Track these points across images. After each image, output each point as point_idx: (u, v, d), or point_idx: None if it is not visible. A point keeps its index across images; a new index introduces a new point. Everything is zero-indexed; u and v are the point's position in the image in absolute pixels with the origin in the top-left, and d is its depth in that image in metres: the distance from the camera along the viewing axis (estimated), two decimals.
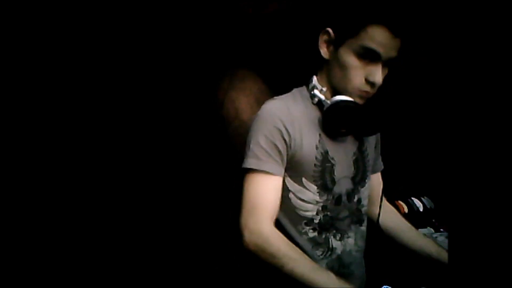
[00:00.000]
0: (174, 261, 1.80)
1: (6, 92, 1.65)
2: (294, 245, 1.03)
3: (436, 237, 1.48)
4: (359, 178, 1.15)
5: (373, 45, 0.98)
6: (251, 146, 1.06)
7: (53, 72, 1.72)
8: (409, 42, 1.05)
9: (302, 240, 1.09)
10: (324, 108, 1.06)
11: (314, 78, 1.13)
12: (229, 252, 1.43)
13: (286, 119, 1.05)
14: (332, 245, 1.11)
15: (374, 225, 1.25)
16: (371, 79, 1.02)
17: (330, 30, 1.06)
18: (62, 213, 1.74)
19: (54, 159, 1.73)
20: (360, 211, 1.17)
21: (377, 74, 1.02)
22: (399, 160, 1.93)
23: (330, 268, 1.10)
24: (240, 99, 1.68)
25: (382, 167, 1.35)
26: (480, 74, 0.88)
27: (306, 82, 1.15)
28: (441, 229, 1.59)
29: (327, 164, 1.08)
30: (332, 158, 1.09)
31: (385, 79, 1.07)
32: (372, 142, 1.23)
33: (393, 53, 1.02)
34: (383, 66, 1.03)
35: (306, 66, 1.17)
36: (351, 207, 1.14)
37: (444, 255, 1.17)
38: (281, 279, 1.00)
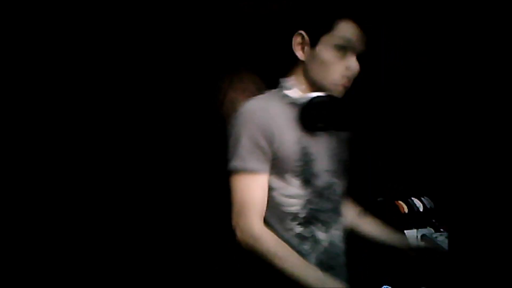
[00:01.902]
0: (174, 259, 1.80)
1: (6, 92, 1.65)
2: (284, 244, 1.07)
3: (436, 237, 1.47)
4: (338, 171, 1.21)
5: (348, 38, 1.07)
6: (235, 147, 1.10)
7: (53, 72, 1.72)
8: (373, 37, 1.13)
9: (289, 236, 1.12)
10: (300, 106, 1.12)
11: (286, 79, 1.18)
12: (228, 251, 1.43)
13: (267, 117, 1.10)
14: (319, 238, 1.15)
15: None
16: (350, 70, 1.10)
17: (303, 32, 1.12)
18: (60, 213, 1.73)
19: (53, 159, 1.73)
20: (340, 202, 1.22)
21: (354, 65, 1.10)
22: (399, 160, 1.93)
23: (319, 261, 1.14)
24: (240, 99, 1.69)
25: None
26: (480, 74, 0.88)
27: (278, 83, 1.20)
28: (441, 229, 1.59)
29: (307, 159, 1.12)
30: (312, 153, 1.14)
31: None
32: (344, 135, 1.28)
33: (362, 45, 1.11)
34: (356, 60, 1.11)
35: (281, 68, 1.22)
36: (333, 199, 1.18)
37: (397, 240, 1.26)
38: (278, 277, 1.03)
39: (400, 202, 1.76)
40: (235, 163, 1.09)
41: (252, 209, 1.07)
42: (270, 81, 1.25)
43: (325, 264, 1.13)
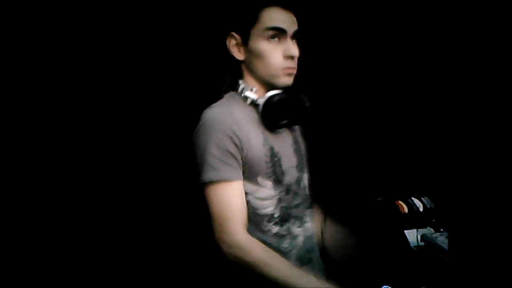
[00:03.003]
0: (172, 259, 1.80)
1: (6, 92, 1.65)
2: (271, 251, 1.05)
3: (436, 237, 1.47)
4: (301, 165, 1.23)
5: (275, 24, 1.07)
6: (204, 158, 1.06)
7: (53, 72, 1.72)
8: (301, 13, 1.14)
9: (267, 237, 1.12)
10: (260, 106, 1.12)
11: (240, 81, 1.18)
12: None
13: (231, 123, 1.08)
14: (295, 234, 1.17)
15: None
16: (288, 53, 1.10)
17: (233, 33, 1.13)
18: (59, 212, 1.73)
19: (52, 159, 1.73)
20: (307, 195, 1.24)
21: (292, 48, 1.10)
22: (399, 160, 1.93)
23: (298, 256, 1.16)
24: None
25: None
26: (480, 74, 0.88)
27: (233, 87, 1.20)
28: (441, 229, 1.59)
29: (275, 159, 1.13)
30: (278, 152, 1.15)
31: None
32: (300, 130, 1.30)
33: (294, 26, 1.12)
34: (292, 40, 1.12)
35: (227, 73, 1.23)
36: (301, 194, 1.20)
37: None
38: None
39: (400, 202, 1.76)
40: (208, 174, 1.05)
41: (234, 219, 1.03)
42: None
43: (304, 258, 1.16)
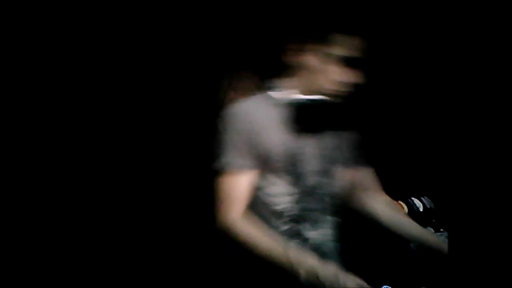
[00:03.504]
0: (172, 258, 1.80)
1: (6, 92, 1.65)
2: (257, 229, 1.12)
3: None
4: (326, 171, 1.21)
5: (343, 50, 1.10)
6: (222, 146, 1.16)
7: (53, 72, 1.72)
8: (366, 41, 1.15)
9: (275, 234, 1.15)
10: (290, 107, 1.15)
11: (279, 81, 1.20)
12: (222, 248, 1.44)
13: (255, 119, 1.14)
14: (307, 236, 1.18)
15: (369, 220, 1.28)
16: (344, 80, 1.12)
17: (301, 38, 1.14)
18: (57, 212, 1.73)
19: (52, 159, 1.73)
20: (333, 203, 1.24)
21: (349, 75, 1.12)
22: (399, 160, 1.93)
23: None
24: (240, 99, 1.69)
25: (365, 163, 1.38)
26: (480, 74, 0.88)
27: (272, 86, 1.22)
28: (441, 229, 1.59)
29: (294, 159, 1.15)
30: (300, 154, 1.16)
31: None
32: (347, 138, 1.28)
33: (356, 53, 1.13)
34: (351, 67, 1.13)
35: (271, 71, 1.24)
36: (321, 199, 1.20)
37: (443, 246, 1.21)
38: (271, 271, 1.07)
39: (400, 202, 1.76)
40: (222, 162, 1.15)
41: (230, 202, 1.14)
42: (273, 82, 1.26)
43: None
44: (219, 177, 1.16)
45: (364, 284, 1.02)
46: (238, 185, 1.14)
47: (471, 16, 0.90)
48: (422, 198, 1.77)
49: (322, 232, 1.21)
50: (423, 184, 1.82)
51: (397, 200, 1.78)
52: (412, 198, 1.77)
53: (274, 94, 1.20)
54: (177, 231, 1.81)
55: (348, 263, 1.24)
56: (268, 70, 1.27)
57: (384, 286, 1.05)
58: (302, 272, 1.03)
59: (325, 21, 1.12)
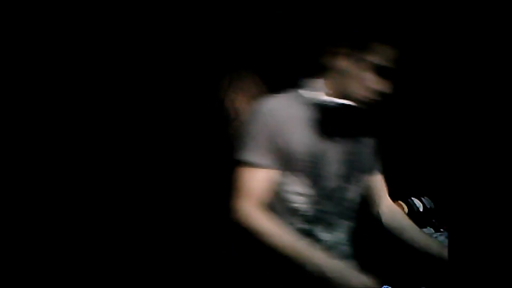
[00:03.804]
0: (173, 257, 1.80)
1: (6, 92, 1.65)
2: (272, 221, 1.12)
3: (436, 237, 1.48)
4: (351, 177, 1.21)
5: (381, 59, 1.10)
6: (245, 139, 1.15)
7: (53, 72, 1.72)
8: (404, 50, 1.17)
9: (288, 229, 1.15)
10: (320, 109, 1.14)
11: (317, 81, 1.19)
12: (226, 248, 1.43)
13: (282, 117, 1.13)
14: (321, 238, 1.18)
15: (376, 225, 1.29)
16: (377, 88, 1.12)
17: (340, 43, 1.14)
18: (58, 212, 1.74)
19: (53, 159, 1.73)
20: (350, 208, 1.23)
21: (381, 84, 1.12)
22: (399, 160, 1.93)
23: None
24: (240, 99, 1.69)
25: (380, 170, 1.39)
26: (479, 75, 0.88)
27: (302, 85, 1.21)
28: (441, 229, 1.59)
29: (317, 161, 1.14)
30: (323, 156, 1.16)
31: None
32: (368, 144, 1.27)
33: (392, 64, 1.14)
34: (383, 76, 1.14)
35: (307, 70, 1.23)
36: (339, 203, 1.20)
37: (445, 253, 1.21)
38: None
39: (400, 202, 1.76)
40: (241, 154, 1.15)
41: (246, 193, 1.13)
42: (273, 82, 1.26)
43: None
44: (238, 167, 1.16)
45: (371, 283, 1.02)
46: (255, 179, 1.14)
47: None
48: (422, 198, 1.77)
49: (336, 235, 1.21)
50: (423, 184, 1.83)
51: (397, 200, 1.78)
52: (412, 198, 1.77)
53: (304, 93, 1.19)
54: (177, 231, 1.81)
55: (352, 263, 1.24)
56: (268, 70, 1.27)
57: (384, 286, 1.05)
58: (309, 265, 1.04)
59: (366, 28, 1.13)
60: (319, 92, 1.17)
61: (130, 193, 1.81)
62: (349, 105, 1.14)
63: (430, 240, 1.28)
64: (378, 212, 1.32)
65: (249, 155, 1.14)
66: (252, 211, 1.13)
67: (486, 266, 0.81)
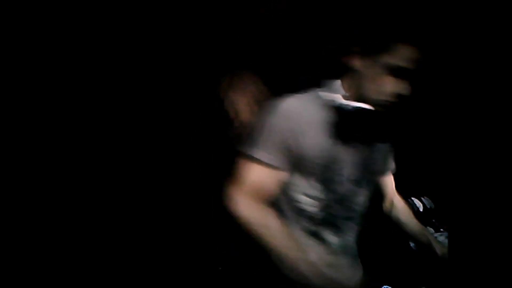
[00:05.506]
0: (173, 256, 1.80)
1: (6, 92, 1.65)
2: (261, 213, 1.10)
3: (436, 237, 1.48)
4: (363, 181, 1.19)
5: (403, 61, 1.08)
6: (255, 134, 1.13)
7: (53, 72, 1.72)
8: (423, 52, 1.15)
9: (295, 230, 1.14)
10: (337, 112, 1.12)
11: (338, 82, 1.17)
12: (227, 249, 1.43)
13: (298, 119, 1.10)
14: (328, 240, 1.16)
15: (382, 227, 1.29)
16: (398, 91, 1.11)
17: (363, 44, 1.13)
18: (59, 212, 1.74)
19: (53, 159, 1.73)
20: (359, 211, 1.21)
21: (400, 86, 1.11)
22: (399, 160, 1.93)
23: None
24: (240, 99, 1.69)
25: (394, 166, 1.41)
26: (479, 75, 0.88)
27: (320, 85, 1.19)
28: (441, 229, 1.59)
29: (330, 165, 1.12)
30: (339, 160, 1.13)
31: None
32: (382, 147, 1.27)
33: (412, 65, 1.11)
34: (403, 78, 1.12)
35: (326, 72, 1.22)
36: (350, 208, 1.18)
37: (444, 251, 1.21)
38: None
39: None
40: (249, 148, 1.12)
41: (243, 184, 1.11)
42: (273, 82, 1.25)
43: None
44: (240, 162, 1.14)
45: None
46: (257, 174, 1.12)
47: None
48: (422, 198, 1.77)
49: (343, 238, 1.19)
50: (423, 184, 1.82)
51: None
52: (412, 198, 1.76)
53: (323, 94, 1.17)
54: (177, 231, 1.81)
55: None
56: (268, 70, 1.26)
57: (384, 286, 1.05)
58: (288, 266, 1.03)
59: (387, 30, 1.11)
60: (337, 93, 1.15)
61: (130, 193, 1.81)
62: (366, 109, 1.12)
63: (433, 239, 1.28)
64: (387, 209, 1.32)
65: (257, 152, 1.11)
66: (244, 200, 1.10)
67: (486, 266, 0.81)
